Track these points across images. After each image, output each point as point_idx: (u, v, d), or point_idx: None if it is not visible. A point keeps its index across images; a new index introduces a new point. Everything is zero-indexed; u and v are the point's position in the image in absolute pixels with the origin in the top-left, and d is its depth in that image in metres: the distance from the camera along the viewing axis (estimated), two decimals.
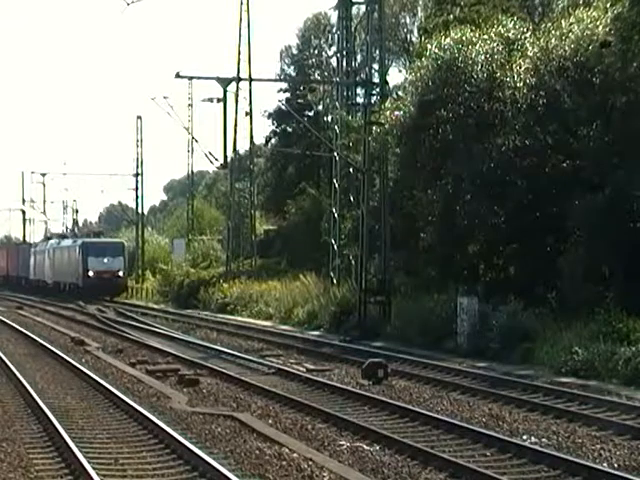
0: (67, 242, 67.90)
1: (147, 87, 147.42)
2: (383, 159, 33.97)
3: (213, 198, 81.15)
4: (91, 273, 60.00)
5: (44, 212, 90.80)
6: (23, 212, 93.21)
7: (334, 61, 54.55)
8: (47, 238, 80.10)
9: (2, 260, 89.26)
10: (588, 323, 23.51)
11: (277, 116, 61.70)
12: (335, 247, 40.28)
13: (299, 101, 59.15)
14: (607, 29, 25.94)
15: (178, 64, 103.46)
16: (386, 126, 31.90)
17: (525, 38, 29.42)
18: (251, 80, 47.45)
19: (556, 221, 27.85)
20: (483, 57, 29.18)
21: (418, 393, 19.74)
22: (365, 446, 14.47)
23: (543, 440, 14.93)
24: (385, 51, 39.25)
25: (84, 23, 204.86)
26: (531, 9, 40.71)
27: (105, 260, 60.56)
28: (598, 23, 26.40)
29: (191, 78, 37.86)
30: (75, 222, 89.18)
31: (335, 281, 39.35)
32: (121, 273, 61.33)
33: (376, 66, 37.37)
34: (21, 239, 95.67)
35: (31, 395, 18.68)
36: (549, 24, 29.36)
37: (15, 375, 21.92)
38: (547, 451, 13.83)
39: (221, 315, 43.84)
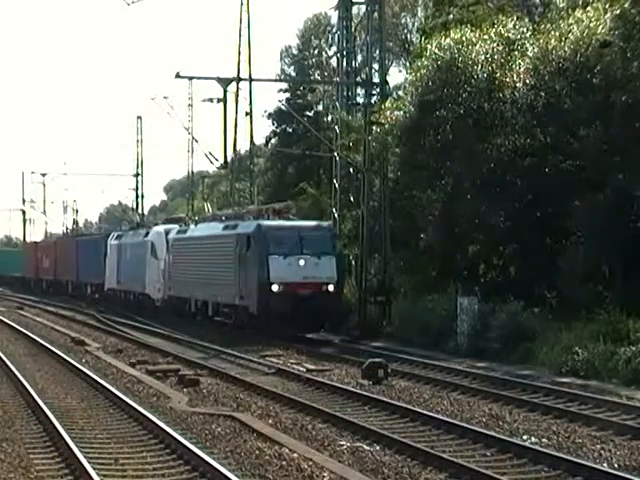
0: (207, 227, 38.24)
1: (147, 87, 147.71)
2: (383, 159, 33.99)
3: (214, 198, 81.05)
4: (276, 287, 31.10)
5: (44, 212, 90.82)
6: (23, 212, 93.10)
7: (334, 61, 54.54)
8: (138, 224, 53.80)
9: (46, 259, 65.70)
10: (588, 323, 23.54)
11: (277, 116, 61.61)
12: None
13: (299, 101, 59.06)
14: (607, 29, 25.95)
15: (178, 64, 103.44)
16: (386, 126, 31.93)
17: (525, 38, 29.45)
18: (251, 80, 47.33)
19: (556, 221, 27.90)
20: (483, 57, 29.22)
21: (418, 393, 19.74)
22: (365, 446, 14.46)
23: (543, 440, 14.93)
24: (385, 51, 39.26)
25: (84, 23, 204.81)
26: (531, 9, 40.66)
27: (302, 262, 31.46)
28: (598, 23, 26.41)
29: (191, 78, 37.85)
30: (75, 222, 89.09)
31: None
32: (332, 287, 31.61)
33: (376, 66, 37.39)
34: (21, 239, 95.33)
35: (31, 395, 18.66)
36: (549, 24, 29.40)
37: (15, 375, 21.91)
38: (547, 451, 13.83)
39: None
